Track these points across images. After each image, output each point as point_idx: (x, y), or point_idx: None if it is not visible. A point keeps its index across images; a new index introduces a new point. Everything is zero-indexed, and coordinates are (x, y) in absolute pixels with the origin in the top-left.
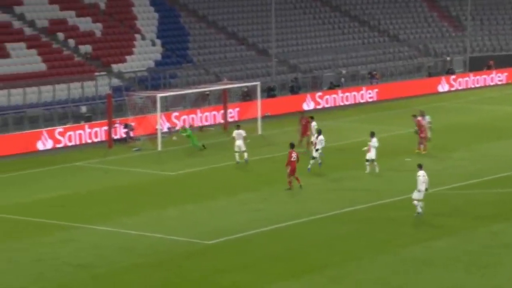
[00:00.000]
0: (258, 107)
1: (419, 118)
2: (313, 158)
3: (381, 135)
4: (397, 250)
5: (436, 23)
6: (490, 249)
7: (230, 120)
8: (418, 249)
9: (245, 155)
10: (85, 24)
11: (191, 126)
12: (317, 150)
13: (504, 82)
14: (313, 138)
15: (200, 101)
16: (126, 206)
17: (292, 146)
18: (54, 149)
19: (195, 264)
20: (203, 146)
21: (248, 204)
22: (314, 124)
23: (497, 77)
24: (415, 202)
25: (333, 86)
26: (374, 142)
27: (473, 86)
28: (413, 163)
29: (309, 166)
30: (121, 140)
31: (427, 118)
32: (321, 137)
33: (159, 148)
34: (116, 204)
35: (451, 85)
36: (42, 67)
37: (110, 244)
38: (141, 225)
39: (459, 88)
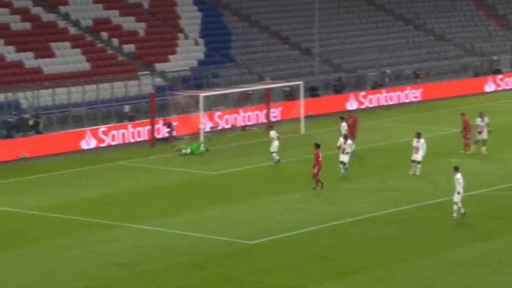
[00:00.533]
0: (301, 107)
1: (466, 118)
2: (342, 163)
3: (426, 135)
4: (442, 252)
5: (482, 21)
6: None
7: (273, 119)
8: (464, 251)
9: (275, 156)
10: (128, 23)
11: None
12: (347, 153)
13: None
14: (340, 142)
15: (243, 100)
16: (168, 205)
17: (317, 146)
18: (97, 148)
19: (236, 264)
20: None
21: (291, 204)
22: (344, 125)
23: None
24: (454, 206)
25: (377, 86)
26: (419, 143)
27: None
28: (457, 163)
29: (342, 171)
30: (164, 140)
31: (486, 119)
32: (349, 141)
33: (202, 148)
34: (159, 203)
35: (497, 85)
36: (86, 66)
37: (153, 243)
38: (184, 225)
39: (506, 88)
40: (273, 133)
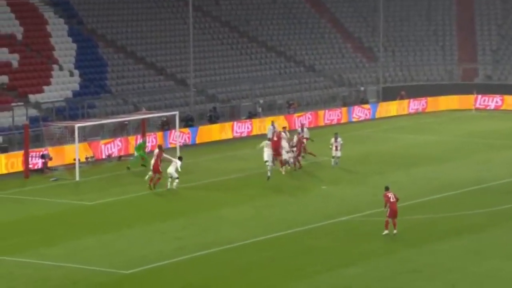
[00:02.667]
0: (177, 136)
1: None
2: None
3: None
4: (312, 277)
5: (350, 54)
6: (401, 275)
7: (149, 149)
8: (332, 276)
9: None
10: (1, 54)
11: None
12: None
13: (416, 111)
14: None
15: (119, 130)
16: (42, 236)
17: (387, 188)
18: None
19: None
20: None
21: (167, 233)
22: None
23: (409, 106)
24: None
25: (251, 116)
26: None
27: (386, 116)
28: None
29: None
30: (38, 171)
31: (339, 140)
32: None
33: (77, 178)
34: (33, 234)
35: (365, 114)
36: None
37: (25, 275)
38: (58, 256)
39: (373, 117)
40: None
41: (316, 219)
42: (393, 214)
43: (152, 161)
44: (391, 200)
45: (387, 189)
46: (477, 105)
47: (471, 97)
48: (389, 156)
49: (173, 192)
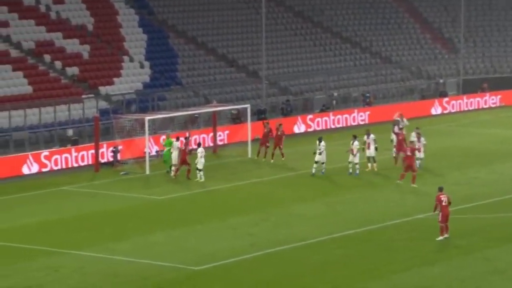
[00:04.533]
0: (249, 130)
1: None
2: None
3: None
4: (389, 276)
5: (428, 45)
6: (483, 275)
7: (219, 143)
8: (410, 275)
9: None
10: (72, 46)
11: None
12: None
13: (497, 104)
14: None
15: (189, 123)
16: (113, 231)
17: (440, 189)
18: (40, 173)
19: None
20: (167, 171)
21: (238, 228)
22: (356, 143)
23: (490, 100)
24: None
25: (325, 109)
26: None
27: (466, 109)
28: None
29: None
30: (108, 164)
31: (372, 136)
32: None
33: (147, 171)
34: (103, 229)
35: (444, 108)
36: (29, 89)
37: (96, 270)
38: (128, 251)
39: (452, 111)
40: (200, 150)
41: (392, 217)
42: (445, 219)
43: (176, 153)
44: (443, 203)
45: (440, 190)
46: None
47: None
48: (469, 151)
49: (242, 188)
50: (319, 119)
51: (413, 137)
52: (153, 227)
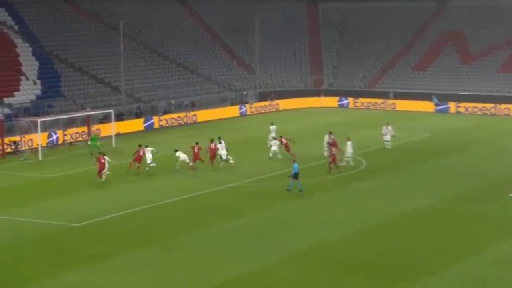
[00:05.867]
0: (113, 127)
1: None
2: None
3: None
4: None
5: (235, 67)
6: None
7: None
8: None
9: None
10: None
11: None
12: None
13: (279, 108)
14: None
15: (70, 123)
16: (14, 200)
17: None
18: None
19: (67, 239)
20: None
21: (112, 195)
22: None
23: (276, 105)
24: None
25: (166, 112)
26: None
27: (262, 111)
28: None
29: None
30: (11, 153)
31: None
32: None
33: (40, 158)
34: (7, 199)
35: (248, 111)
36: None
37: (1, 228)
38: (26, 213)
39: (253, 112)
40: (148, 149)
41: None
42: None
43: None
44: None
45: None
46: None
47: None
48: (256, 140)
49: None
50: (165, 118)
51: (328, 139)
52: (45, 197)
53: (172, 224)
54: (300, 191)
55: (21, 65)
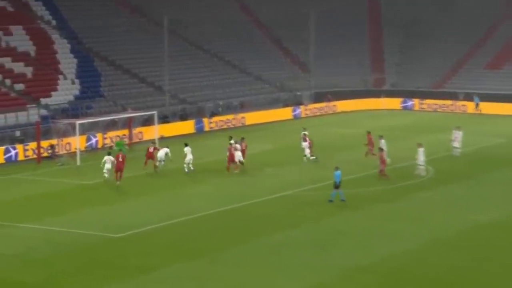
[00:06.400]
0: (156, 130)
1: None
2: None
3: (247, 151)
4: None
5: (288, 66)
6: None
7: (136, 140)
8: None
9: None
10: (18, 67)
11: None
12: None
13: (337, 110)
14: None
15: (111, 126)
16: (50, 208)
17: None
18: None
19: (106, 251)
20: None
21: (154, 204)
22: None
23: (333, 107)
24: None
25: (213, 115)
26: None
27: (318, 114)
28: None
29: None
30: (47, 158)
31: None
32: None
33: (78, 163)
34: (43, 207)
35: (302, 113)
36: None
37: (37, 239)
38: (63, 223)
39: (308, 115)
40: (186, 149)
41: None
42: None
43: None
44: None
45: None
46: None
47: None
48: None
49: (151, 174)
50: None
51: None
52: (83, 205)
53: (219, 235)
54: (341, 200)
55: (58, 63)
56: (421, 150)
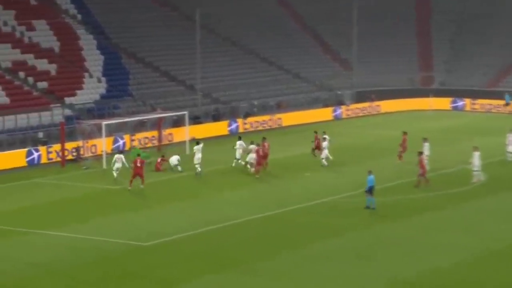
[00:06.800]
0: (186, 131)
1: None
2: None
3: (283, 154)
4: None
5: (329, 63)
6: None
7: (165, 142)
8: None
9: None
10: (42, 64)
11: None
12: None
13: (380, 111)
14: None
15: (139, 127)
16: (75, 214)
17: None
18: (15, 168)
19: (132, 261)
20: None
21: (184, 211)
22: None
23: (377, 107)
24: None
25: (247, 115)
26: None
27: (360, 114)
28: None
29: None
30: (72, 161)
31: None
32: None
33: (104, 166)
34: (68, 213)
35: (342, 113)
36: (6, 100)
37: (61, 246)
38: (88, 230)
39: (350, 115)
40: (196, 148)
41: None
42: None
43: (253, 155)
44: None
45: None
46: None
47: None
48: (362, 147)
49: (183, 178)
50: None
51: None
52: (109, 211)
53: (252, 245)
54: (371, 208)
55: (84, 60)
56: (476, 154)
